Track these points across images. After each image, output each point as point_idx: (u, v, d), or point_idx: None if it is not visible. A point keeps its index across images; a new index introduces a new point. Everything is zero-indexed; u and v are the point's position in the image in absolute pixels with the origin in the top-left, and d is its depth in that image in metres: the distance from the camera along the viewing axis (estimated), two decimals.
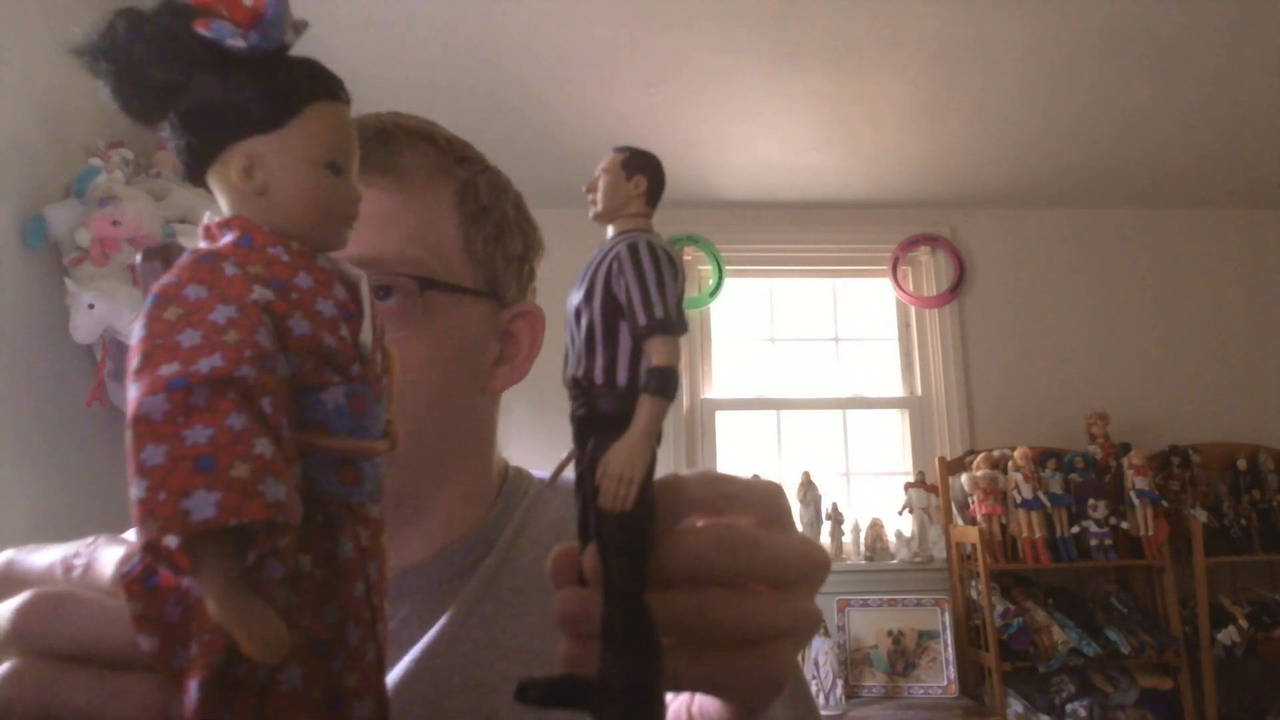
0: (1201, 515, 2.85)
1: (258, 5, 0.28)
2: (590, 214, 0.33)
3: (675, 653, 0.31)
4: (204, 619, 0.25)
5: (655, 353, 0.29)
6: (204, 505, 0.23)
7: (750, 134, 2.79)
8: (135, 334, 0.25)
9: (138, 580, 0.26)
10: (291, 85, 0.29)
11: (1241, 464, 3.02)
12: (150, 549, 0.24)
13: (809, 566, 0.33)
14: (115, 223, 1.77)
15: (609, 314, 0.30)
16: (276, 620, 0.24)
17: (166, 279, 0.27)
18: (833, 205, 3.26)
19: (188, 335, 0.25)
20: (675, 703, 0.39)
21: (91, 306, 1.73)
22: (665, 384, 0.29)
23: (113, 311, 1.75)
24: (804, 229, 3.26)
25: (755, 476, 0.37)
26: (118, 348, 1.83)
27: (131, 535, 0.71)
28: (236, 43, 0.27)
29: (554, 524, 0.69)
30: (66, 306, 1.75)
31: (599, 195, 0.32)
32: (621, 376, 0.30)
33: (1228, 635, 2.76)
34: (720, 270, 3.12)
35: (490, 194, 0.68)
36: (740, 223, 3.17)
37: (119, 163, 1.93)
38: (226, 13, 0.28)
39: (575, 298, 0.32)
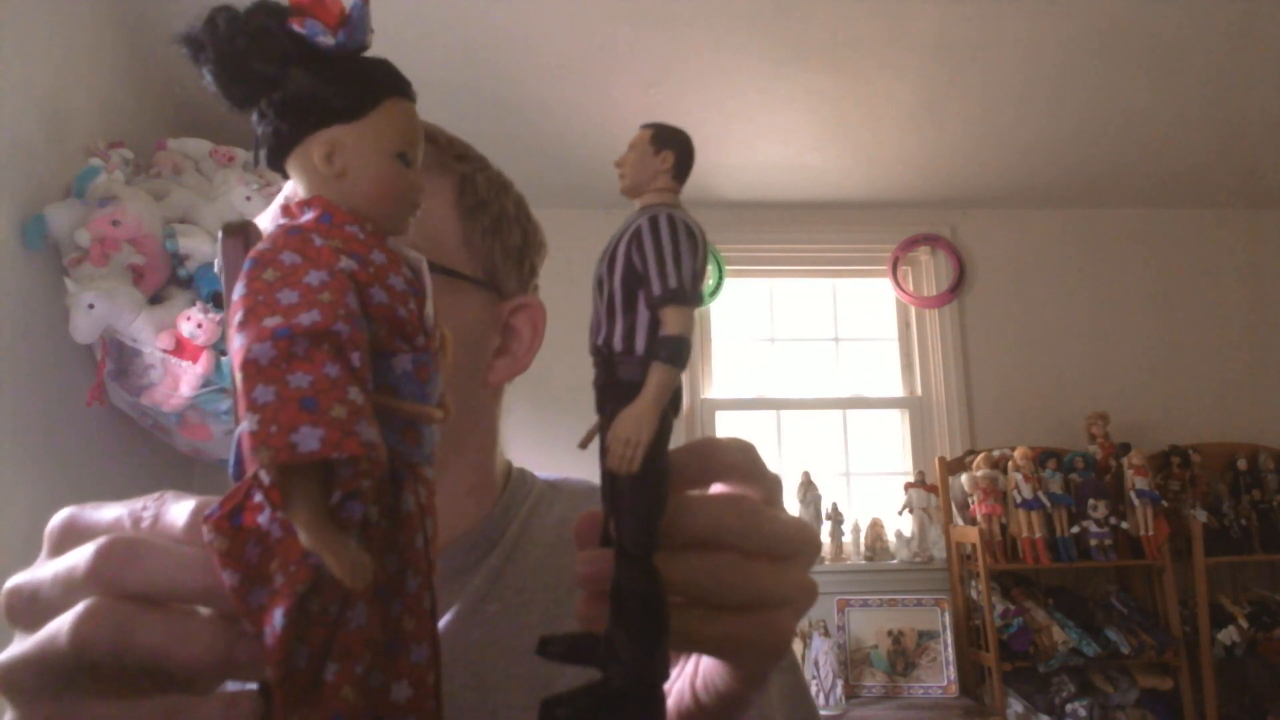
0: (1201, 515, 2.86)
1: (344, 9, 0.31)
2: (620, 188, 0.34)
3: (687, 613, 0.33)
4: (289, 553, 0.27)
5: (668, 322, 0.30)
6: (309, 439, 0.25)
7: (750, 134, 2.79)
8: (236, 292, 0.28)
9: (225, 519, 0.28)
10: (370, 81, 0.32)
11: (1241, 464, 3.02)
12: (254, 479, 0.27)
13: (804, 542, 0.36)
14: (115, 223, 1.77)
15: (629, 284, 0.32)
16: (362, 550, 0.27)
17: (262, 245, 0.29)
18: (833, 205, 3.26)
19: (286, 294, 0.28)
20: (679, 680, 0.40)
21: (91, 306, 1.73)
22: (676, 352, 0.30)
23: (113, 311, 1.75)
24: (804, 229, 3.26)
25: None
26: (118, 348, 1.83)
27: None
28: (326, 41, 0.31)
29: (557, 524, 0.69)
30: (66, 306, 1.75)
31: (627, 170, 0.34)
32: (640, 344, 0.31)
33: (1228, 635, 2.76)
34: (720, 270, 3.12)
35: (489, 189, 0.69)
36: (740, 223, 3.17)
37: (119, 163, 1.93)
38: (317, 14, 0.31)
39: (599, 268, 0.33)
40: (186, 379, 1.79)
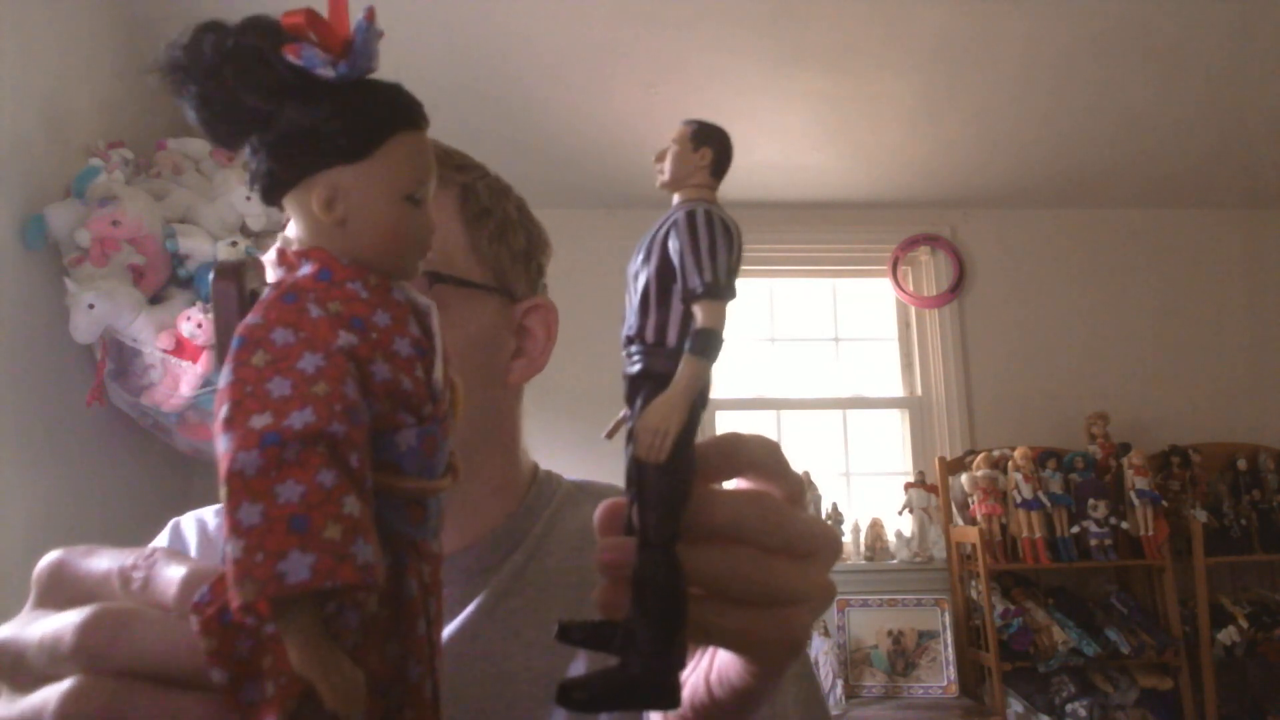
0: (1201, 515, 2.85)
1: (348, 33, 0.27)
2: (658, 183, 0.34)
3: (705, 606, 0.33)
4: (281, 662, 0.25)
5: (701, 315, 0.31)
6: (299, 568, 0.23)
7: (750, 134, 2.79)
8: (223, 378, 0.25)
9: (214, 618, 0.26)
10: (377, 116, 0.28)
11: (1241, 464, 3.02)
12: (246, 609, 0.24)
13: (825, 542, 0.36)
14: (115, 223, 1.77)
15: (664, 277, 0.32)
16: (356, 671, 0.25)
17: (252, 319, 0.26)
18: (833, 205, 3.26)
19: (277, 384, 0.25)
20: (695, 673, 0.40)
21: (91, 306, 1.73)
22: (708, 346, 0.30)
23: (113, 311, 1.75)
24: (804, 229, 3.26)
25: None
26: (118, 348, 1.83)
27: (163, 536, 0.70)
28: (326, 72, 0.27)
29: (583, 525, 0.70)
30: (66, 306, 1.75)
31: (667, 165, 0.34)
32: (672, 337, 0.31)
33: (1228, 635, 2.76)
34: None
35: (490, 196, 0.70)
36: (740, 222, 3.15)
37: (119, 163, 1.93)
38: (316, 38, 0.27)
39: (635, 261, 0.33)
40: (186, 379, 1.79)
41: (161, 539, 0.72)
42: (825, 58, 2.48)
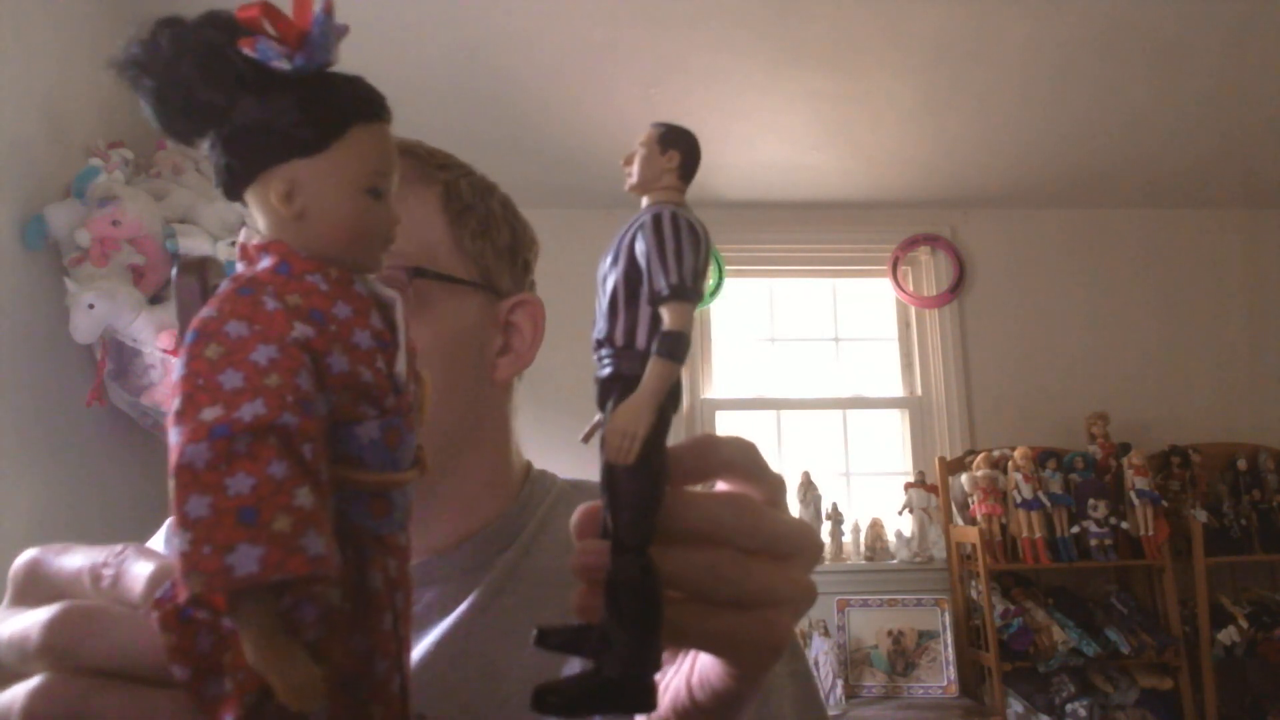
0: (1201, 515, 2.85)
1: (305, 24, 0.27)
2: (626, 186, 0.34)
3: (683, 608, 0.32)
4: (239, 657, 0.25)
5: (667, 317, 0.31)
6: (247, 560, 0.23)
7: (750, 134, 2.79)
8: (176, 370, 0.25)
9: (173, 614, 0.26)
10: (334, 108, 0.28)
11: (1241, 464, 3.02)
12: (193, 601, 0.24)
13: (804, 542, 0.36)
14: (115, 223, 1.77)
15: (631, 279, 0.32)
16: (311, 666, 0.24)
17: (206, 312, 0.26)
18: (833, 205, 3.26)
19: (229, 376, 0.25)
20: (677, 677, 0.40)
21: (91, 306, 1.73)
22: (675, 347, 0.30)
23: (113, 311, 1.75)
24: (804, 229, 3.26)
25: None
26: (118, 348, 1.83)
27: (160, 534, 0.70)
28: (282, 65, 0.27)
29: None
30: (66, 306, 1.75)
31: (635, 168, 0.34)
32: (641, 339, 0.31)
33: (1228, 635, 2.76)
34: (720, 270, 3.12)
35: (473, 193, 0.70)
36: (740, 223, 3.17)
37: (119, 163, 1.93)
38: (272, 30, 0.27)
39: (604, 264, 0.33)
40: None
41: (158, 538, 0.72)
42: (825, 57, 2.48)
